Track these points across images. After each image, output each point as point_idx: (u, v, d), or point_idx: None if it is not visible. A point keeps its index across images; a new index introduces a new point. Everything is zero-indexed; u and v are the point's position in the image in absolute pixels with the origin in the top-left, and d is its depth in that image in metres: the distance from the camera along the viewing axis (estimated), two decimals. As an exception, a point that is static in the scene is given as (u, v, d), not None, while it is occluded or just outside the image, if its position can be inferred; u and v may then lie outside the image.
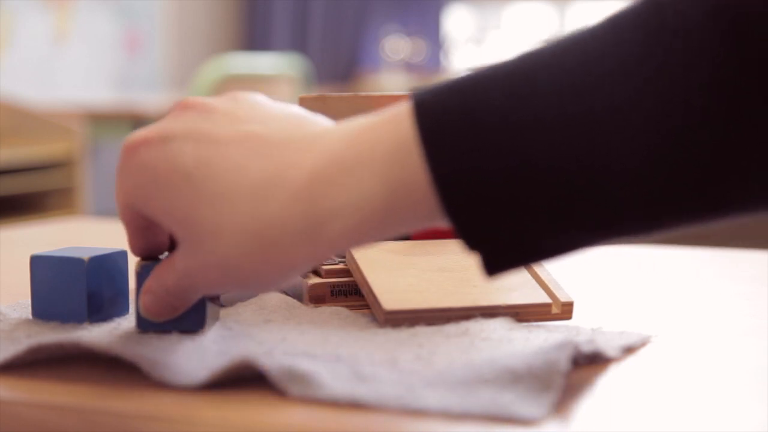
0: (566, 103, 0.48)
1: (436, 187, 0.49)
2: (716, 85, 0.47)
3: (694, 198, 0.48)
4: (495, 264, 0.50)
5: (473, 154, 0.48)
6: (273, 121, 0.54)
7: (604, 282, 0.80)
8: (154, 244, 0.59)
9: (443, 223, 0.51)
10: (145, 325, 0.59)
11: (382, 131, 0.51)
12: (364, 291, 0.64)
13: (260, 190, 0.52)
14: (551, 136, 0.48)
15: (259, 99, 0.56)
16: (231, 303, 0.65)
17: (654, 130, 0.47)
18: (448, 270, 0.65)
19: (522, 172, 0.48)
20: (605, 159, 0.48)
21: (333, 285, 0.66)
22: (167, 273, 0.56)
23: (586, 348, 0.55)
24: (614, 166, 0.48)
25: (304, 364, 0.52)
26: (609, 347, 0.57)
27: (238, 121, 0.54)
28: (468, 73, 0.50)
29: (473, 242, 0.49)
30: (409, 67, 4.50)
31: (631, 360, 0.57)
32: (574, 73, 0.48)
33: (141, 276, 0.59)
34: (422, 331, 0.60)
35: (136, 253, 0.59)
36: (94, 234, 1.09)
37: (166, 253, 0.60)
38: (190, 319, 0.59)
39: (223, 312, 0.64)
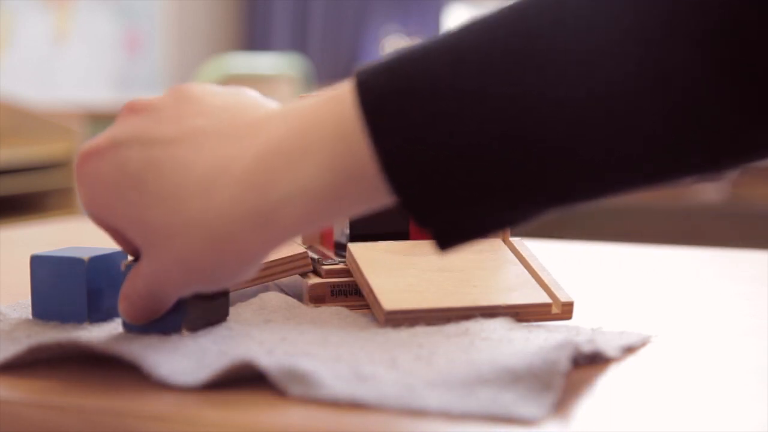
0: (511, 72, 0.47)
1: (381, 163, 0.48)
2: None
3: (640, 164, 0.48)
4: (446, 239, 0.50)
5: (416, 129, 0.47)
6: (217, 113, 0.54)
7: (604, 282, 0.80)
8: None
9: (391, 202, 0.49)
10: (128, 327, 0.59)
11: (324, 112, 0.50)
12: (364, 291, 0.64)
13: (207, 184, 0.52)
14: (496, 106, 0.47)
15: (203, 90, 0.56)
16: (232, 303, 0.65)
17: (601, 98, 0.46)
18: (448, 270, 0.65)
19: (467, 144, 0.47)
20: (552, 130, 0.47)
21: (333, 285, 0.66)
22: (136, 278, 0.57)
23: (586, 348, 0.55)
24: (561, 136, 0.47)
25: (304, 364, 0.52)
26: (609, 347, 0.57)
27: (182, 117, 0.54)
28: (411, 46, 0.49)
29: (422, 218, 0.49)
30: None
31: (631, 360, 0.57)
32: (515, 41, 0.47)
33: (126, 275, 0.59)
34: (422, 331, 0.59)
35: (129, 253, 0.59)
36: (94, 234, 1.09)
37: None
38: (168, 320, 0.59)
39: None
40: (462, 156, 0.47)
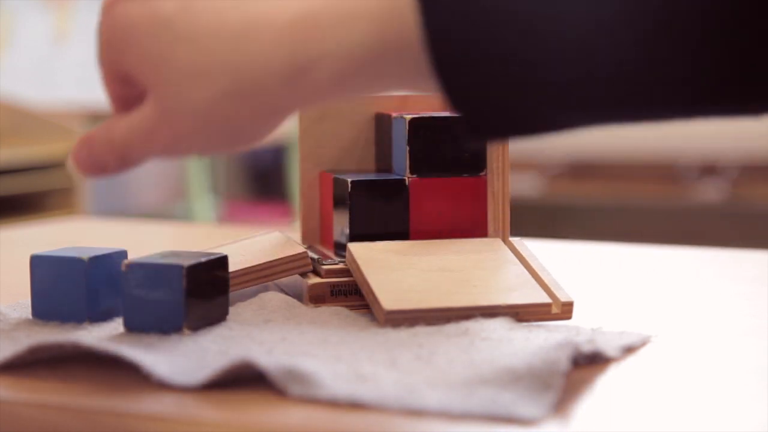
0: None
1: (426, 40, 0.47)
2: None
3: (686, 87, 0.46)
4: (480, 126, 0.48)
5: (467, 13, 0.46)
6: None
7: (604, 282, 0.80)
8: (132, 96, 0.56)
9: (428, 83, 0.48)
10: (128, 327, 0.59)
11: None
12: (364, 291, 0.64)
13: (245, 30, 0.50)
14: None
15: None
16: (232, 303, 0.65)
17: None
18: (448, 270, 0.65)
19: (516, 35, 0.46)
20: (609, 29, 0.45)
21: (333, 285, 0.66)
22: (118, 123, 0.54)
23: (586, 348, 0.55)
24: (606, 41, 0.46)
25: (304, 364, 0.52)
26: (609, 347, 0.57)
27: None
28: None
29: (459, 100, 0.48)
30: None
31: (631, 360, 0.57)
32: None
33: (126, 275, 0.59)
34: (422, 331, 0.59)
35: (116, 108, 0.57)
36: (94, 234, 1.09)
37: None
38: (168, 320, 0.59)
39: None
40: (507, 48, 0.46)
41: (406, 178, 0.69)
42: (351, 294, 0.66)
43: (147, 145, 0.54)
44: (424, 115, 0.69)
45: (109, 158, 0.55)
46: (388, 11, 0.48)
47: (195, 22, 0.51)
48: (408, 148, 0.69)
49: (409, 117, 0.69)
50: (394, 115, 0.70)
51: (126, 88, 0.56)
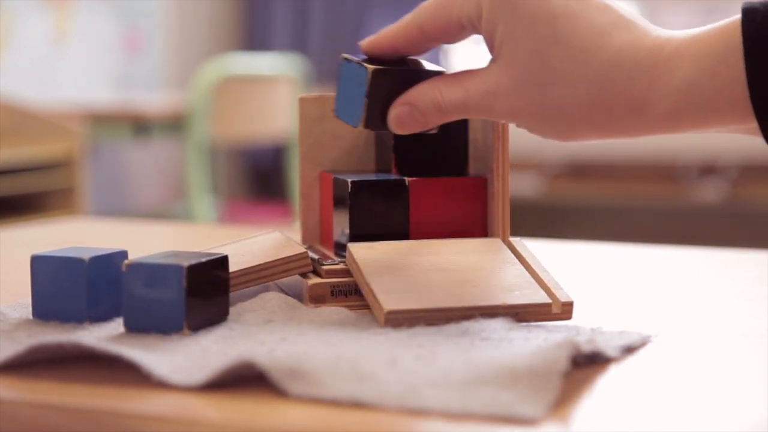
0: None
1: (751, 88, 0.55)
2: None
3: None
4: None
5: None
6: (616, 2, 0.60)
7: (604, 282, 0.80)
8: (419, 46, 0.63)
9: (751, 124, 0.56)
10: (129, 327, 0.60)
11: (715, 36, 0.57)
12: (364, 291, 0.64)
13: (613, 57, 0.57)
14: None
15: None
16: (232, 303, 0.65)
17: None
18: (448, 270, 0.65)
19: None
20: None
21: (333, 285, 0.66)
22: (455, 87, 0.61)
23: (586, 348, 0.55)
24: None
25: (305, 364, 0.52)
26: (609, 347, 0.57)
27: None
28: None
29: None
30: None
31: (631, 360, 0.57)
32: None
33: (127, 275, 0.59)
34: (422, 331, 0.60)
35: (392, 43, 0.63)
36: (94, 234, 1.09)
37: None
38: (168, 320, 0.59)
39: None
40: None
41: (407, 179, 0.69)
42: (351, 294, 0.66)
43: (484, 107, 0.60)
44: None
45: (436, 114, 0.62)
46: (722, 56, 0.56)
47: (577, 30, 0.58)
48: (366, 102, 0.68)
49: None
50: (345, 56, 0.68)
51: (458, 31, 0.62)
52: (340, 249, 0.70)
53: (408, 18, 0.62)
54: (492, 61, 0.61)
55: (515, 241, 0.69)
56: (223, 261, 0.62)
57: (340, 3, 4.57)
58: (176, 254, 0.61)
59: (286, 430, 0.47)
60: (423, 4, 0.62)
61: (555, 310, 0.63)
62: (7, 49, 3.60)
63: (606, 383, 0.53)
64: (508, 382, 0.50)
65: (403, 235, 0.69)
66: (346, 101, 0.64)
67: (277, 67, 3.47)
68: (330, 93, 0.73)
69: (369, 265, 0.65)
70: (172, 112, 3.26)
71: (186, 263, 0.59)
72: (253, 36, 4.67)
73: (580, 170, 3.88)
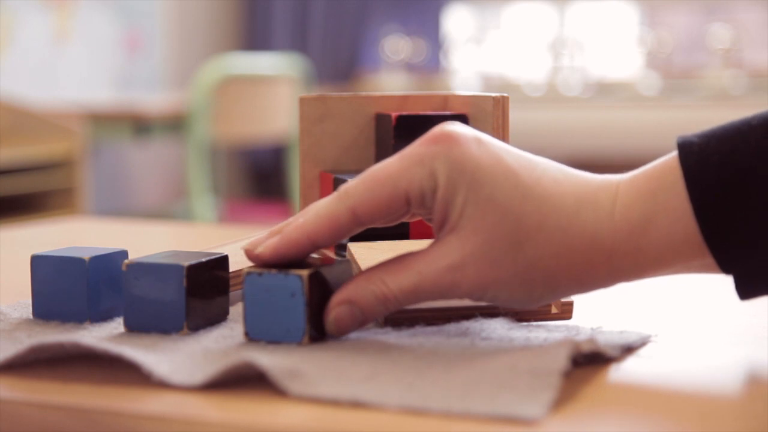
0: None
1: (699, 221, 0.54)
2: None
3: None
4: (746, 287, 0.56)
5: (734, 209, 0.54)
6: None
7: (604, 282, 0.80)
8: (341, 234, 0.57)
9: (708, 260, 0.56)
10: (129, 327, 0.60)
11: (660, 170, 0.57)
12: (365, 291, 0.64)
13: (577, 202, 0.56)
14: None
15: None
16: (232, 303, 0.65)
17: None
18: (448, 270, 0.65)
19: None
20: None
21: (333, 285, 0.66)
22: (403, 272, 0.56)
23: (586, 348, 0.55)
24: None
25: (305, 364, 0.52)
26: (609, 347, 0.57)
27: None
28: (727, 127, 0.56)
29: (727, 265, 0.55)
30: (409, 67, 4.50)
31: (631, 360, 0.57)
32: None
33: (127, 275, 0.59)
34: (422, 331, 0.60)
35: (387, 219, 0.58)
36: (94, 234, 1.10)
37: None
38: (168, 320, 0.59)
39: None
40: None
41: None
42: (351, 294, 0.66)
43: (445, 285, 0.56)
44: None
45: (381, 309, 0.57)
46: (669, 190, 0.56)
47: (539, 183, 0.56)
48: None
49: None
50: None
51: (400, 208, 0.57)
52: (340, 249, 0.70)
53: (332, 205, 0.56)
54: (447, 235, 0.56)
55: (515, 241, 0.69)
56: (223, 261, 0.62)
57: (340, 3, 4.57)
58: (176, 254, 0.61)
59: (286, 430, 0.47)
60: (351, 184, 0.56)
61: (555, 310, 0.63)
62: (7, 49, 3.60)
63: (606, 383, 0.53)
64: (508, 381, 0.50)
65: (403, 235, 0.69)
66: (267, 318, 0.57)
67: (277, 67, 3.47)
68: (330, 92, 0.73)
69: (369, 265, 0.65)
70: (172, 112, 3.26)
71: (186, 263, 0.59)
72: (253, 36, 4.67)
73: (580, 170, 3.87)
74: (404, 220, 0.59)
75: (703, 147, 0.55)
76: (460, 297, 0.57)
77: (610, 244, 0.56)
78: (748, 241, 0.54)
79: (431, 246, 0.56)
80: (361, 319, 0.57)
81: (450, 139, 0.56)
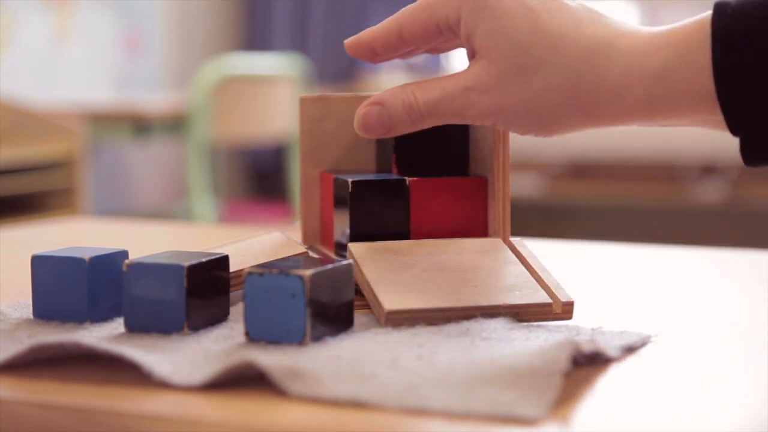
0: None
1: (716, 81, 0.56)
2: None
3: None
4: (752, 152, 0.57)
5: (751, 59, 0.56)
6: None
7: (604, 282, 0.80)
8: (395, 49, 0.64)
9: (719, 117, 0.57)
10: (129, 327, 0.60)
11: (691, 27, 0.58)
12: (365, 291, 0.64)
13: (592, 44, 0.59)
14: None
15: None
16: (232, 303, 0.65)
17: None
18: (448, 270, 0.65)
19: None
20: None
21: (333, 285, 0.66)
22: (422, 86, 0.62)
23: (586, 348, 0.55)
24: None
25: (305, 364, 0.52)
26: (609, 347, 0.57)
27: None
28: None
29: (736, 127, 0.57)
30: (409, 67, 4.50)
31: (631, 360, 0.57)
32: None
33: (127, 275, 0.59)
34: (423, 331, 0.60)
35: (374, 40, 0.64)
36: (95, 234, 1.10)
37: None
38: (168, 320, 0.59)
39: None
40: None
41: (407, 179, 0.69)
42: (351, 294, 0.66)
43: (461, 104, 0.61)
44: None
45: (405, 118, 0.62)
46: (694, 44, 0.58)
47: (556, 22, 0.60)
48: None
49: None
50: None
51: (435, 34, 0.63)
52: (340, 249, 0.70)
53: (389, 20, 0.64)
54: (471, 62, 0.62)
55: (516, 241, 0.69)
56: (223, 261, 0.62)
57: (340, 3, 4.57)
58: (176, 254, 0.61)
59: (286, 430, 0.47)
60: (404, 8, 0.63)
61: (555, 310, 0.64)
62: (7, 49, 3.60)
63: (606, 383, 0.53)
64: (509, 382, 0.50)
65: (403, 235, 0.69)
66: (268, 319, 0.57)
67: (277, 67, 3.47)
68: (330, 92, 0.73)
69: (370, 265, 0.65)
70: (172, 112, 3.26)
71: (186, 263, 0.59)
72: (253, 36, 4.67)
73: (580, 170, 3.88)
74: (447, 47, 0.65)
75: (737, 10, 0.57)
76: (474, 120, 0.61)
77: (620, 87, 0.59)
78: (761, 106, 0.56)
79: (460, 71, 0.62)
80: (388, 124, 0.62)
81: None
